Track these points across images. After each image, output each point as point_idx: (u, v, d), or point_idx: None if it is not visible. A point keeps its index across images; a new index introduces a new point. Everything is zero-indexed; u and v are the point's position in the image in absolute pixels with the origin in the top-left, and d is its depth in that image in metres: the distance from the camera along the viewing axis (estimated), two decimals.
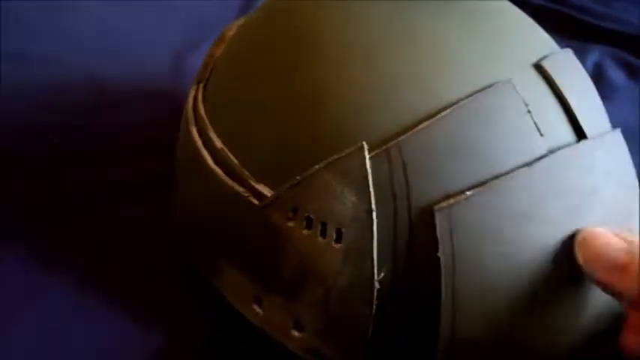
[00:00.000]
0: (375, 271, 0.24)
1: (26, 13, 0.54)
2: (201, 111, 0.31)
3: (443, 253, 0.24)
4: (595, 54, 0.53)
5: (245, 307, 0.29)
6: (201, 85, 0.32)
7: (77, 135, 0.42)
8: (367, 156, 0.24)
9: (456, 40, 0.27)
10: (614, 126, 0.29)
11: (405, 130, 0.24)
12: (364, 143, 0.24)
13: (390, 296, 0.25)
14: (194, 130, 0.31)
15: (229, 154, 0.28)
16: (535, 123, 0.25)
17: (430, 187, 0.24)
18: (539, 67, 0.27)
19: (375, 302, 0.25)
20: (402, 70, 0.26)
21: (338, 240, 0.25)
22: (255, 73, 0.29)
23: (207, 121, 0.30)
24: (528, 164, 0.24)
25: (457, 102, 0.24)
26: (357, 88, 0.26)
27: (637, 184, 0.29)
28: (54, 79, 0.47)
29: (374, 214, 0.24)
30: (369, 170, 0.24)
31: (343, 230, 0.25)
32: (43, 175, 0.39)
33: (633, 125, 0.48)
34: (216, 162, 0.29)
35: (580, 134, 0.26)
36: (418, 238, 0.24)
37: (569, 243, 0.25)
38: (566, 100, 0.26)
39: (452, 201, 0.24)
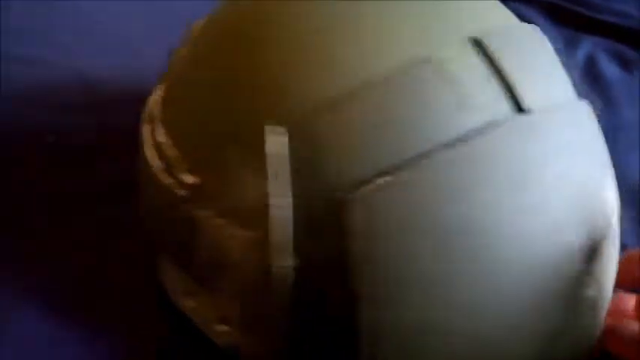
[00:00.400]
0: (288, 260, 0.23)
1: (19, 14, 0.54)
2: (154, 110, 0.31)
3: (350, 250, 0.22)
4: (588, 46, 0.50)
5: (181, 303, 0.29)
6: (162, 86, 0.32)
7: (70, 135, 0.42)
8: (278, 140, 0.23)
9: (388, 18, 0.25)
10: (608, 121, 0.27)
11: (318, 112, 0.23)
12: (275, 127, 0.23)
13: (304, 287, 0.23)
14: (144, 128, 0.31)
15: (170, 147, 0.28)
16: (462, 99, 0.23)
17: (343, 171, 0.22)
18: (477, 42, 0.24)
19: (287, 293, 0.23)
20: (320, 50, 0.24)
21: (247, 228, 0.24)
22: (194, 66, 0.29)
23: (157, 118, 0.30)
24: (452, 143, 0.22)
25: (373, 80, 0.23)
26: (271, 71, 0.25)
27: (607, 158, 0.27)
28: (46, 79, 0.48)
29: (283, 201, 0.22)
30: (278, 154, 0.23)
31: (252, 218, 0.23)
32: (40, 174, 0.40)
33: (630, 119, 0.45)
34: (160, 156, 0.28)
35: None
36: (331, 227, 0.22)
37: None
38: (506, 74, 0.24)
39: (365, 189, 0.22)
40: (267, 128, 0.23)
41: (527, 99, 0.24)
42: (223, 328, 0.27)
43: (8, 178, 0.39)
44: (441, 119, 0.23)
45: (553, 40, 0.28)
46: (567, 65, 0.45)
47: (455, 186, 0.22)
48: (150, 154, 0.29)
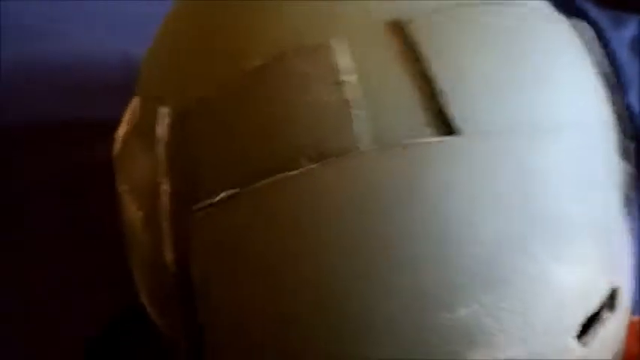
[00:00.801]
0: (166, 244, 0.22)
1: None
2: None
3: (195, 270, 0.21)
4: (634, 25, 0.45)
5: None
6: None
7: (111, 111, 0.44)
8: (163, 122, 0.22)
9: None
10: None
11: (194, 103, 0.21)
12: (162, 108, 0.22)
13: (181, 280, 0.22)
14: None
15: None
16: (352, 103, 0.19)
17: (204, 172, 0.21)
18: (397, 28, 0.20)
19: (171, 282, 0.23)
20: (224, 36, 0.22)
21: (139, 208, 0.23)
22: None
23: None
24: (322, 162, 0.18)
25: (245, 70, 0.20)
26: (179, 55, 0.23)
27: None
28: (91, 58, 0.48)
29: (162, 186, 0.22)
30: (162, 137, 0.22)
31: (142, 198, 0.23)
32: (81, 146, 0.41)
33: None
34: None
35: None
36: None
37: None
38: (429, 73, 0.19)
39: (208, 202, 0.20)
40: (161, 111, 0.22)
41: (455, 112, 0.19)
42: (144, 299, 0.27)
43: (45, 151, 0.41)
44: (323, 126, 0.19)
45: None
46: (616, 46, 0.41)
47: (302, 214, 0.19)
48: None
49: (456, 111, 0.19)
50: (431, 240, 0.18)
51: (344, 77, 0.19)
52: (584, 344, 0.21)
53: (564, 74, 0.21)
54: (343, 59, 0.20)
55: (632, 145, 0.24)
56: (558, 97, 0.21)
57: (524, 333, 0.19)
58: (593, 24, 0.47)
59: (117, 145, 0.28)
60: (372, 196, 0.18)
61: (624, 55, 0.45)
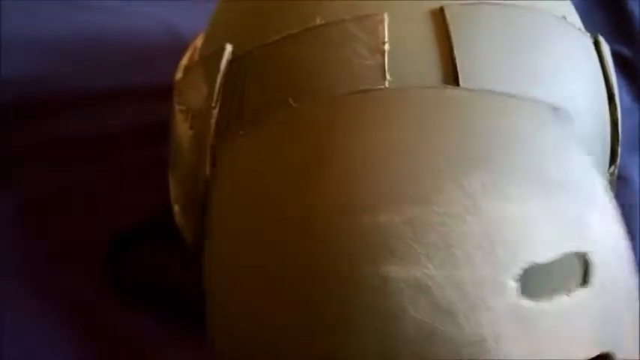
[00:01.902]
0: (207, 160, 0.26)
1: None
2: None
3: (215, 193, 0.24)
4: None
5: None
6: None
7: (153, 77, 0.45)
8: (225, 57, 0.26)
9: None
10: None
11: (264, 45, 0.25)
12: (228, 45, 0.26)
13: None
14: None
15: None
16: (386, 65, 0.23)
17: (247, 102, 0.25)
18: (438, 13, 0.24)
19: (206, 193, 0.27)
20: None
21: (191, 127, 0.27)
22: None
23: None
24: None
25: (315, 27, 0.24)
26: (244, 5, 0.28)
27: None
28: (132, 26, 0.50)
29: (213, 110, 0.26)
30: (222, 70, 0.26)
31: (195, 119, 0.27)
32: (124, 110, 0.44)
33: None
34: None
35: None
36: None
37: None
38: (453, 52, 0.23)
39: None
40: (227, 47, 0.26)
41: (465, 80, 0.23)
42: (176, 208, 0.31)
43: (93, 115, 0.43)
44: (354, 77, 0.23)
45: None
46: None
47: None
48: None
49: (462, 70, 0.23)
50: (379, 155, 0.21)
51: (385, 46, 0.23)
52: (530, 293, 0.20)
53: (570, 68, 0.25)
54: (386, 31, 0.23)
55: (619, 149, 0.28)
56: (559, 84, 0.24)
57: (444, 255, 0.20)
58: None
59: (179, 73, 0.32)
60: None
61: None
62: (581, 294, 0.21)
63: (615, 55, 0.46)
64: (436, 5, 0.24)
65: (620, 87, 0.44)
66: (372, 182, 0.21)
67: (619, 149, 0.28)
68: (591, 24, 0.49)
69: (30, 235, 0.37)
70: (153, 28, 0.50)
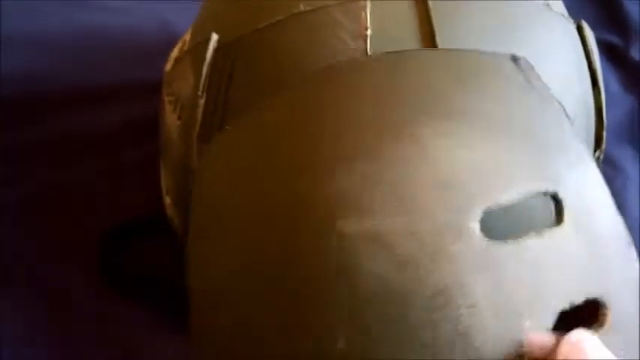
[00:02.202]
0: (194, 152, 0.26)
1: None
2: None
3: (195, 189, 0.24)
4: None
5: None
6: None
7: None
8: (211, 46, 0.26)
9: None
10: None
11: (250, 33, 0.25)
12: (214, 35, 0.26)
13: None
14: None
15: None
16: (368, 50, 0.23)
17: (233, 93, 0.25)
18: (421, 1, 0.24)
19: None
20: None
21: (179, 117, 0.28)
22: None
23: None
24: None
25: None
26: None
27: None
28: (127, 28, 0.50)
29: (200, 100, 0.26)
30: (208, 59, 0.26)
31: (183, 109, 0.27)
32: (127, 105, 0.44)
33: None
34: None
35: None
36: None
37: None
38: (435, 39, 0.23)
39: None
40: (213, 37, 0.26)
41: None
42: (168, 200, 0.31)
43: (92, 113, 0.43)
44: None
45: None
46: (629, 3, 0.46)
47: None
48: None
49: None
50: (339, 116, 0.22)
51: (368, 32, 0.23)
52: (494, 237, 0.19)
53: (552, 54, 0.25)
54: (369, 17, 0.24)
55: (604, 134, 0.28)
56: (541, 69, 0.24)
57: (397, 205, 0.19)
58: None
59: (169, 64, 0.32)
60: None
61: (636, 11, 0.49)
62: (553, 235, 0.20)
63: (605, 44, 0.47)
64: None
65: (609, 76, 0.45)
66: (328, 146, 0.21)
67: (604, 134, 0.28)
68: (581, 13, 0.49)
69: (29, 233, 0.37)
70: (151, 26, 0.51)
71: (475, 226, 0.19)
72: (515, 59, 0.23)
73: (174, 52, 0.33)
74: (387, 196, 0.19)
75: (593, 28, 0.47)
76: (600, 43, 0.46)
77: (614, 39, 0.48)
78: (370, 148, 0.20)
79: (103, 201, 0.39)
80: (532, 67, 0.23)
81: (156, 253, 0.35)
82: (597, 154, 0.28)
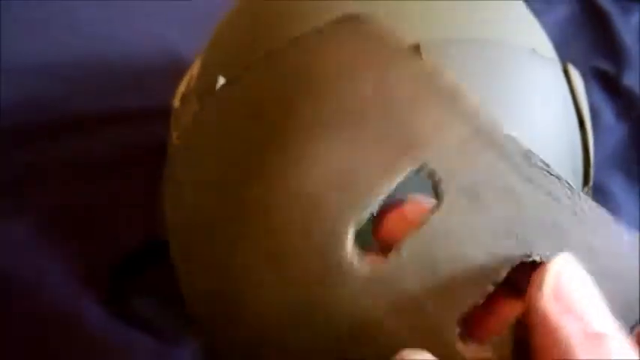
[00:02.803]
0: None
1: None
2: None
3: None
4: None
5: None
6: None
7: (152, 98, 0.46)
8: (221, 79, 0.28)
9: None
10: None
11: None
12: (220, 78, 0.28)
13: None
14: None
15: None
16: None
17: None
18: (415, 48, 0.25)
19: None
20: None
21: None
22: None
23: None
24: None
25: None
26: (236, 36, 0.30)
27: None
28: (131, 53, 0.52)
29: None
30: (219, 84, 0.28)
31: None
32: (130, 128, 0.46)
33: None
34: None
35: None
36: None
37: None
38: None
39: None
40: (220, 80, 0.28)
41: None
42: None
43: (95, 137, 0.45)
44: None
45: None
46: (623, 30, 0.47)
47: None
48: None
49: None
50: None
51: None
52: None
53: (538, 98, 0.27)
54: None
55: (591, 171, 0.29)
56: (528, 114, 0.26)
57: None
58: (602, 11, 0.52)
59: (176, 100, 0.34)
60: None
61: (630, 39, 0.50)
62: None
63: (598, 71, 0.49)
64: (412, 41, 0.25)
65: (602, 104, 0.47)
66: None
67: (591, 171, 0.29)
68: (575, 40, 0.51)
69: (36, 257, 0.38)
70: (153, 49, 0.52)
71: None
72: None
73: (181, 87, 0.35)
74: None
75: (586, 55, 0.50)
76: (593, 70, 0.48)
77: (607, 66, 0.49)
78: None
79: (105, 225, 0.40)
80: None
81: (163, 280, 0.37)
82: (585, 190, 0.29)
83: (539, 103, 0.26)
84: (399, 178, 0.18)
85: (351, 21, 0.21)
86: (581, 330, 0.15)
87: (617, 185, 0.41)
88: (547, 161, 0.26)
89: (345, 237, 0.18)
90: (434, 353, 0.16)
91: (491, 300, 0.17)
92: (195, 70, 0.34)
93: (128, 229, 0.39)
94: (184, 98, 0.32)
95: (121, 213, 0.40)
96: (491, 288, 0.17)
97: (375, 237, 0.19)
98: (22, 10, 0.54)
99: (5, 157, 0.43)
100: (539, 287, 0.15)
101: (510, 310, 0.17)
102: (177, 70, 0.49)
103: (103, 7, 0.56)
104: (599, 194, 0.38)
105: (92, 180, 0.42)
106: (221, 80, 0.28)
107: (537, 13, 0.54)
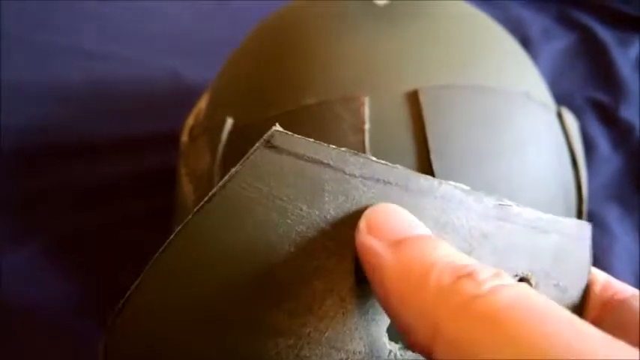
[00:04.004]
0: None
1: (112, 16, 0.60)
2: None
3: None
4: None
5: None
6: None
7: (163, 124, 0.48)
8: (226, 129, 0.29)
9: (365, 43, 0.28)
10: None
11: (263, 120, 0.28)
12: (229, 119, 0.29)
13: None
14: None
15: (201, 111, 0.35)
16: (366, 143, 0.26)
17: None
18: (412, 95, 0.27)
19: None
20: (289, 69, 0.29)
21: (196, 189, 0.30)
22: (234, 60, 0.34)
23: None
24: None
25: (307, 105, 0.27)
26: (245, 77, 0.31)
27: None
28: (138, 78, 0.54)
29: (216, 177, 0.29)
30: (223, 141, 0.29)
31: (199, 183, 0.30)
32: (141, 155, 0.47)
33: None
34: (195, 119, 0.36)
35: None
36: None
37: None
38: (425, 132, 0.26)
39: None
40: (228, 120, 0.29)
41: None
42: None
43: (101, 162, 0.46)
44: None
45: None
46: (620, 62, 0.49)
47: None
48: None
49: (438, 169, 0.25)
50: None
51: (366, 126, 0.26)
52: None
53: (532, 141, 0.28)
54: (368, 112, 0.26)
55: (584, 208, 0.30)
56: (522, 157, 0.27)
57: None
58: (600, 42, 0.54)
59: (184, 136, 0.35)
60: None
61: (627, 70, 0.51)
62: None
63: (595, 102, 0.50)
64: (412, 87, 0.27)
65: (598, 135, 0.48)
66: None
67: (584, 207, 0.30)
68: (572, 71, 0.52)
69: (41, 282, 0.39)
70: (161, 77, 0.54)
71: None
72: None
73: (190, 120, 0.36)
74: None
75: (583, 85, 0.51)
76: (590, 101, 0.50)
77: (603, 97, 0.50)
78: None
79: (109, 251, 0.40)
80: None
81: None
82: None
83: (532, 145, 0.28)
84: None
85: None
86: (386, 241, 0.15)
87: (612, 216, 0.41)
88: (540, 200, 0.27)
89: None
90: None
91: None
92: (203, 104, 0.35)
93: (135, 253, 0.40)
94: (193, 136, 0.33)
95: (128, 237, 0.41)
96: None
97: None
98: (24, 33, 0.56)
99: (14, 181, 0.45)
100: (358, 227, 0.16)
101: None
102: (184, 97, 0.50)
103: (105, 30, 0.58)
104: (595, 225, 0.38)
105: (100, 204, 0.43)
106: (229, 121, 0.29)
107: (535, 44, 0.55)
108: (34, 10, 0.60)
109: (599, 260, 0.37)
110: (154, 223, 0.41)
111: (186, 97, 0.50)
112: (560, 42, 0.55)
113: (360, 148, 0.26)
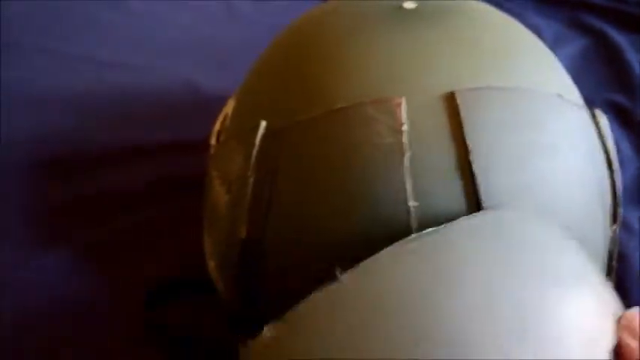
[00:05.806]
0: (244, 222, 0.29)
1: (123, 25, 0.61)
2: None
3: None
4: None
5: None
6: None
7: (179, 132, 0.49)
8: (260, 133, 0.29)
9: (393, 48, 0.29)
10: None
11: (295, 123, 0.28)
12: (262, 122, 0.29)
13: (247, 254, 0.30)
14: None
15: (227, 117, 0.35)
16: (405, 146, 0.26)
17: (289, 172, 0.28)
18: (449, 97, 0.27)
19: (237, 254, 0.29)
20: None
21: (227, 192, 0.30)
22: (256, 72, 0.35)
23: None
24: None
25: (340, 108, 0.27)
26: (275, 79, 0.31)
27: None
28: (152, 85, 0.54)
29: (250, 179, 0.29)
30: (257, 144, 0.29)
31: (232, 185, 0.30)
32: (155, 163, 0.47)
33: None
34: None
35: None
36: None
37: None
38: (463, 133, 0.26)
39: None
40: (261, 124, 0.29)
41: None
42: (212, 264, 0.34)
43: (120, 170, 0.46)
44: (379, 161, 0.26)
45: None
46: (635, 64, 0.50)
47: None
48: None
49: (482, 183, 0.25)
50: None
51: (404, 127, 0.26)
52: None
53: (567, 143, 0.28)
54: (404, 113, 0.26)
55: (619, 210, 0.30)
56: (557, 158, 0.27)
57: None
58: (613, 45, 0.54)
59: (213, 139, 0.35)
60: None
61: None
62: None
63: (612, 105, 0.50)
64: (447, 89, 0.27)
65: (617, 136, 0.48)
66: None
67: (620, 210, 0.30)
68: (588, 74, 0.52)
69: (70, 285, 0.39)
70: (175, 85, 0.54)
71: None
72: None
73: (217, 126, 0.36)
74: None
75: (599, 88, 0.51)
76: (607, 103, 0.50)
77: (621, 99, 0.50)
78: None
79: (132, 257, 0.41)
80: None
81: (197, 310, 0.37)
82: (614, 227, 0.30)
83: (567, 146, 0.28)
84: None
85: None
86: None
87: (636, 216, 0.42)
88: (577, 202, 0.27)
89: None
90: None
91: None
92: (229, 109, 0.35)
93: (159, 260, 0.40)
94: (222, 140, 0.33)
95: (152, 243, 0.41)
96: None
97: None
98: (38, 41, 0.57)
99: (40, 189, 0.45)
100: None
101: None
102: (199, 106, 0.51)
103: (117, 39, 0.58)
104: (621, 228, 0.38)
105: (124, 211, 0.44)
106: (263, 124, 0.29)
107: (551, 48, 0.55)
108: (50, 21, 0.61)
109: (624, 260, 0.38)
110: (172, 228, 0.42)
111: (198, 105, 0.51)
112: (573, 47, 0.56)
113: (399, 149, 0.26)
